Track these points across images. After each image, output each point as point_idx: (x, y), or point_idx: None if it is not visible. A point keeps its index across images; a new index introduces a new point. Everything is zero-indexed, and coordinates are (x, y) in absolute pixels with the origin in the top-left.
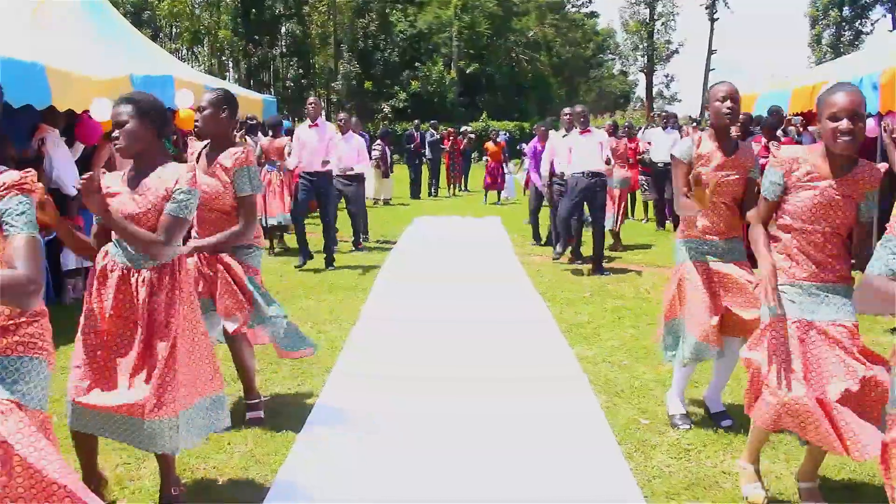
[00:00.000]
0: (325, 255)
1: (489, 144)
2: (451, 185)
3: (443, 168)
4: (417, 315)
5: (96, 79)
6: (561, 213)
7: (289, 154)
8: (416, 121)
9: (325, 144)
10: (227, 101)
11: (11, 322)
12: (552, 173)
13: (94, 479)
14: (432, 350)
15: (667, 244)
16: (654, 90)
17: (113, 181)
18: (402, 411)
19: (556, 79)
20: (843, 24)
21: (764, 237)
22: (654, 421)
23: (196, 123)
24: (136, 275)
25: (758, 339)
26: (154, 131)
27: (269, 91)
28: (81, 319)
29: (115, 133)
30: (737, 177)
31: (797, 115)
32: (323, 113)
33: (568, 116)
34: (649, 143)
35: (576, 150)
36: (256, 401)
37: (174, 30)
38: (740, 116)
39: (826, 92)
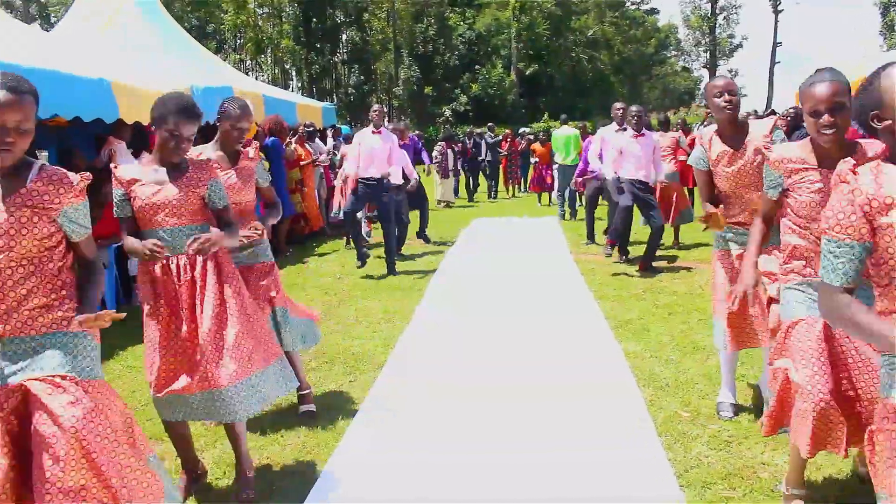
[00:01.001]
0: (386, 260)
1: (536, 146)
2: (510, 187)
3: (501, 170)
4: (470, 315)
5: (160, 92)
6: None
7: (339, 156)
8: (469, 127)
9: (388, 151)
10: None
11: (55, 298)
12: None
13: (193, 468)
14: (482, 349)
15: None
16: None
17: (146, 174)
18: (449, 410)
19: (618, 77)
20: None
21: (759, 233)
22: (696, 415)
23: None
24: (175, 260)
25: (781, 345)
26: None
27: (331, 98)
28: (144, 318)
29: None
30: (753, 162)
31: None
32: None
33: (620, 111)
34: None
35: (627, 154)
36: (307, 391)
37: (238, 41)
38: (788, 110)
39: (805, 82)
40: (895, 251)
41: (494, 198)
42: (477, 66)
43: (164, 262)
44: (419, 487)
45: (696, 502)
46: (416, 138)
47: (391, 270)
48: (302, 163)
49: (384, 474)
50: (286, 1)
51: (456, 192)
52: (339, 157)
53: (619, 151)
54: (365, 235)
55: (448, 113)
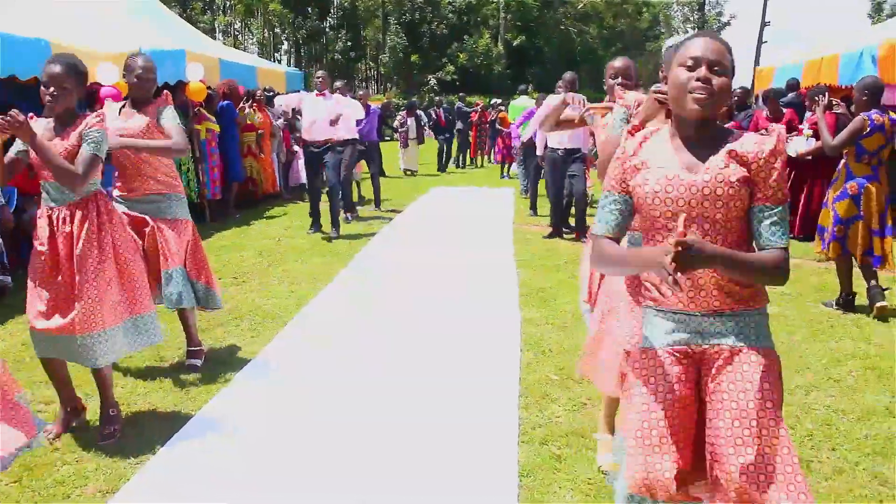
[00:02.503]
0: (331, 220)
1: (504, 115)
2: (479, 157)
3: (471, 140)
4: (388, 282)
5: (102, 53)
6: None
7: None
8: (439, 97)
9: (332, 115)
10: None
11: None
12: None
13: (70, 404)
14: (388, 314)
15: None
16: None
17: (37, 127)
18: (335, 370)
19: (608, 51)
20: None
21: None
22: (565, 378)
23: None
24: (57, 212)
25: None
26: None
27: (319, 63)
28: (31, 258)
29: (52, 90)
30: None
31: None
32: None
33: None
34: None
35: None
36: (197, 348)
37: (227, 3)
38: (735, 90)
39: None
40: (648, 208)
41: (463, 167)
42: (465, 36)
43: (49, 212)
44: (275, 440)
45: (528, 458)
46: (375, 108)
47: (335, 228)
48: (259, 128)
49: (250, 425)
50: None
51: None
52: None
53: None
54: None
55: (433, 82)
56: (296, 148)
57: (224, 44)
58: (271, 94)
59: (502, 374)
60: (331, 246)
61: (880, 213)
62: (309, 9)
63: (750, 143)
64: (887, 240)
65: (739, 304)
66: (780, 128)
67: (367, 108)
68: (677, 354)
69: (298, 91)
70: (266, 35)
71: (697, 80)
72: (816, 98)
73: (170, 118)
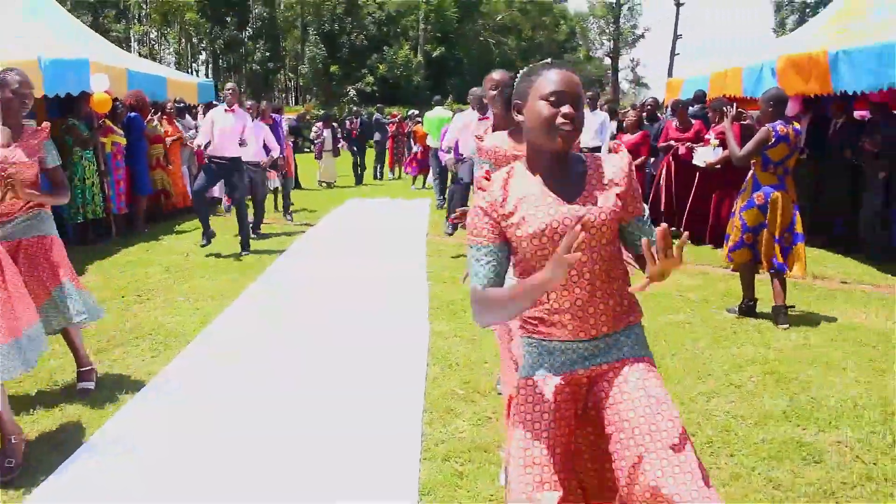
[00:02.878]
0: (240, 240)
1: (418, 128)
2: (396, 169)
3: (388, 152)
4: (297, 296)
5: None
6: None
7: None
8: (355, 108)
9: (240, 131)
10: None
11: None
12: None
13: None
14: (296, 329)
15: None
16: (620, 75)
17: None
18: (239, 387)
19: (527, 62)
20: (807, 9)
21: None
22: (471, 391)
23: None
24: None
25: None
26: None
27: (237, 74)
28: None
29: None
30: None
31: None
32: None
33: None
34: None
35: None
36: (87, 368)
37: (142, 12)
38: (647, 101)
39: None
40: (532, 248)
41: (381, 179)
42: (385, 47)
43: None
44: (175, 459)
45: (429, 475)
46: (279, 118)
47: (244, 248)
48: (169, 139)
49: (149, 446)
50: None
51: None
52: None
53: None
54: (224, 210)
55: (353, 93)
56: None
57: (140, 54)
58: (181, 105)
59: (408, 388)
60: (240, 262)
61: (788, 222)
62: (228, 18)
63: (612, 166)
64: (797, 246)
65: (622, 323)
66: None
67: (271, 119)
68: (563, 381)
69: (212, 103)
70: (183, 45)
71: (563, 115)
72: (724, 109)
73: (56, 159)
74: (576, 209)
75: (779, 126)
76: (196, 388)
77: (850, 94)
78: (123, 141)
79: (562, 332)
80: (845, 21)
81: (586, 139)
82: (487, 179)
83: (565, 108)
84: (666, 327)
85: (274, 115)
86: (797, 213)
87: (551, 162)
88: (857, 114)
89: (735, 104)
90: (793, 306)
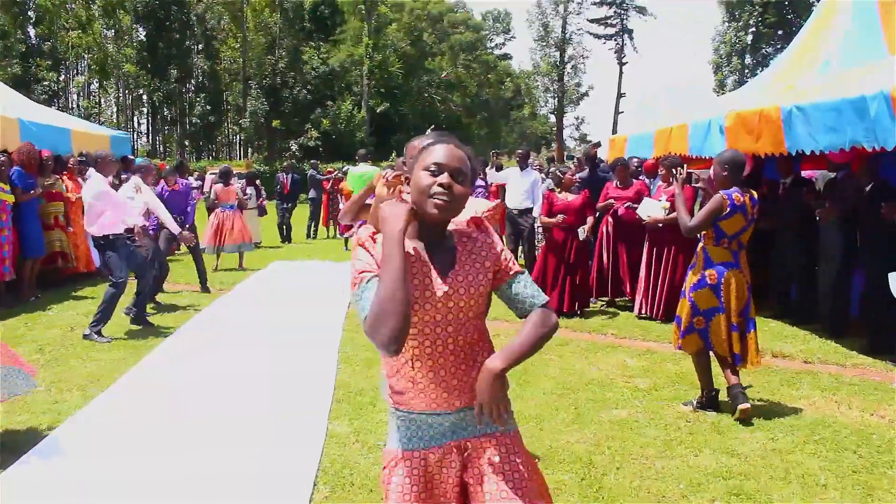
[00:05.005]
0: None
1: (344, 185)
2: (330, 227)
3: (323, 209)
4: (187, 378)
5: None
6: None
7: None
8: (286, 163)
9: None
10: None
11: None
12: None
13: None
14: (163, 441)
15: None
16: (566, 132)
17: None
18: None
19: (473, 119)
20: (746, 71)
21: None
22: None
23: None
24: None
25: None
26: None
27: (178, 127)
28: None
29: None
30: None
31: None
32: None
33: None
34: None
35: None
36: None
37: (80, 63)
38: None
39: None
40: None
41: (314, 237)
42: (329, 102)
43: None
44: None
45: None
46: (186, 182)
47: (137, 322)
48: (73, 195)
49: None
50: (130, 23)
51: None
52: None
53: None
54: None
55: (295, 147)
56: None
57: (80, 104)
58: (84, 159)
59: (310, 431)
60: (129, 337)
61: (742, 306)
62: (174, 71)
63: (481, 242)
64: (750, 335)
65: None
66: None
67: (175, 184)
68: (432, 454)
69: (126, 157)
70: (122, 96)
71: (440, 185)
72: (675, 170)
73: None
74: (441, 284)
75: (734, 194)
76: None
77: (807, 153)
78: (10, 199)
79: (426, 404)
80: (791, 78)
81: (517, 201)
82: (373, 239)
83: (442, 178)
84: (608, 428)
85: (180, 179)
86: (750, 295)
87: (430, 231)
88: (805, 173)
89: (685, 165)
90: (749, 386)
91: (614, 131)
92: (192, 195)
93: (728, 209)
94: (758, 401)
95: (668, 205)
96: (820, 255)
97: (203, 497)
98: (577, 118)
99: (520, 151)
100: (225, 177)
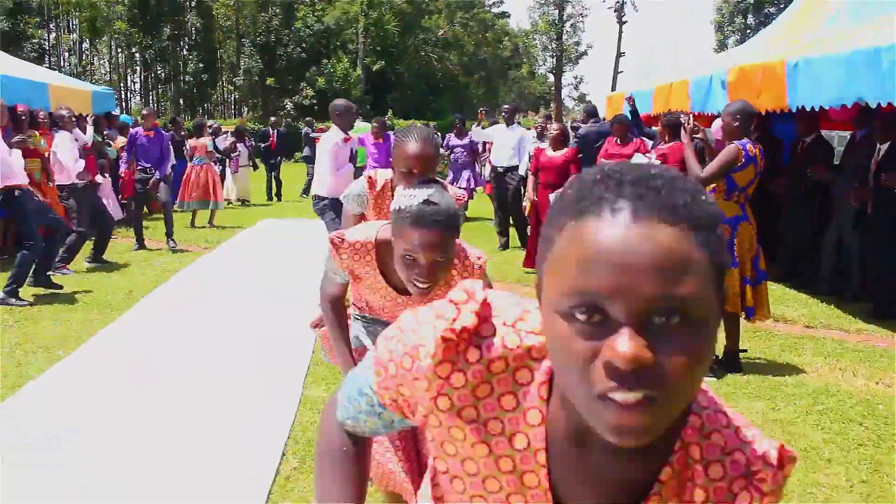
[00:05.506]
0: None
1: None
2: None
3: None
4: (162, 339)
5: None
6: None
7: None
8: (273, 118)
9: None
10: None
11: None
12: None
13: None
14: (127, 406)
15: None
16: (564, 92)
17: None
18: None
19: (471, 78)
20: (748, 30)
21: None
22: None
23: None
24: None
25: None
26: None
27: (170, 85)
28: None
29: None
30: None
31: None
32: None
33: None
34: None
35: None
36: None
37: (70, 20)
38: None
39: (402, 133)
40: None
41: (307, 195)
42: (324, 60)
43: None
44: None
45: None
46: (163, 132)
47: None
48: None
49: None
50: None
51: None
52: (113, 149)
53: None
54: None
55: (290, 106)
56: (100, 179)
57: (71, 63)
58: (66, 114)
59: (272, 425)
60: (101, 295)
61: (753, 258)
62: (167, 29)
63: (464, 276)
64: (761, 286)
65: None
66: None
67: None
68: None
69: (110, 113)
70: (115, 55)
71: (418, 275)
72: (681, 121)
73: None
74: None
75: (748, 145)
76: None
77: (808, 109)
78: None
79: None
80: (796, 33)
81: (504, 158)
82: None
83: (421, 273)
84: None
85: (161, 129)
86: (759, 246)
87: None
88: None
89: (691, 117)
90: (745, 350)
91: (613, 90)
92: (167, 143)
93: (743, 160)
94: (758, 366)
95: (657, 163)
96: (832, 218)
97: (167, 466)
98: (575, 77)
99: (506, 107)
100: (197, 130)
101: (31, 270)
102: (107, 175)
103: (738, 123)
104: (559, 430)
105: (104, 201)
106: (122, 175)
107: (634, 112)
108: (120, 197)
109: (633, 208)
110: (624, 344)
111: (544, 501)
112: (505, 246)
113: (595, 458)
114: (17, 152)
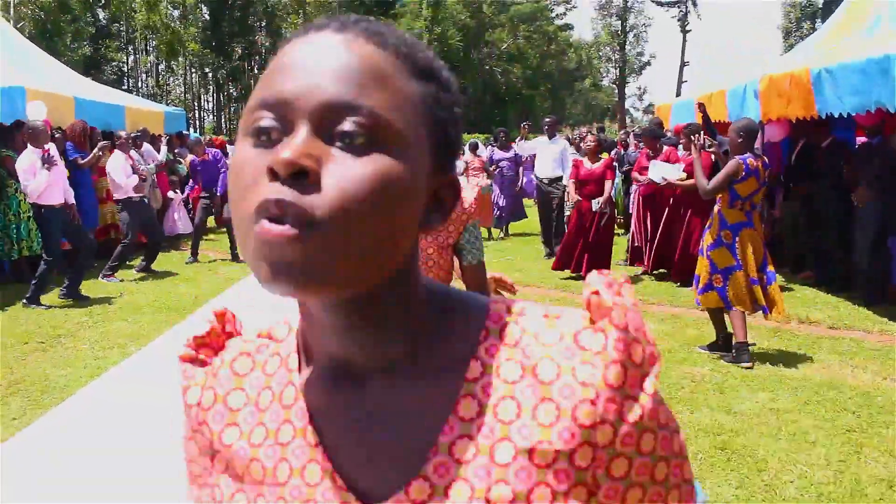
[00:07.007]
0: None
1: None
2: None
3: None
4: None
5: None
6: None
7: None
8: None
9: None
10: None
11: None
12: None
13: None
14: None
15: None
16: (627, 102)
17: None
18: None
19: (535, 90)
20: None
21: None
22: None
23: None
24: None
25: None
26: None
27: (242, 104)
28: None
29: None
30: None
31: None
32: None
33: None
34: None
35: None
36: None
37: (147, 43)
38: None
39: None
40: None
41: None
42: None
43: None
44: None
45: None
46: (216, 153)
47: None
48: None
49: None
50: (194, 1)
51: None
52: (183, 166)
53: None
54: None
55: None
56: (172, 194)
57: (149, 84)
58: (138, 135)
59: None
60: (173, 299)
61: (760, 261)
62: (238, 49)
63: None
64: (773, 287)
65: None
66: None
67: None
68: None
69: (181, 133)
70: (190, 75)
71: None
72: (693, 137)
73: None
74: None
75: (749, 159)
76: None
77: (836, 116)
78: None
79: None
80: (837, 39)
81: (547, 170)
82: None
83: None
84: None
85: (209, 149)
86: (766, 250)
87: None
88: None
89: (702, 132)
90: (753, 344)
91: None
92: (223, 163)
93: (743, 173)
94: (770, 361)
95: (685, 175)
96: (857, 222)
97: None
98: (639, 88)
99: (547, 120)
100: None
101: (67, 283)
102: (177, 191)
103: (741, 140)
104: (315, 391)
105: (174, 215)
106: (189, 196)
107: (706, 119)
108: (190, 213)
109: (339, 23)
110: (285, 145)
111: (336, 490)
112: (551, 255)
113: (358, 396)
114: (60, 171)
